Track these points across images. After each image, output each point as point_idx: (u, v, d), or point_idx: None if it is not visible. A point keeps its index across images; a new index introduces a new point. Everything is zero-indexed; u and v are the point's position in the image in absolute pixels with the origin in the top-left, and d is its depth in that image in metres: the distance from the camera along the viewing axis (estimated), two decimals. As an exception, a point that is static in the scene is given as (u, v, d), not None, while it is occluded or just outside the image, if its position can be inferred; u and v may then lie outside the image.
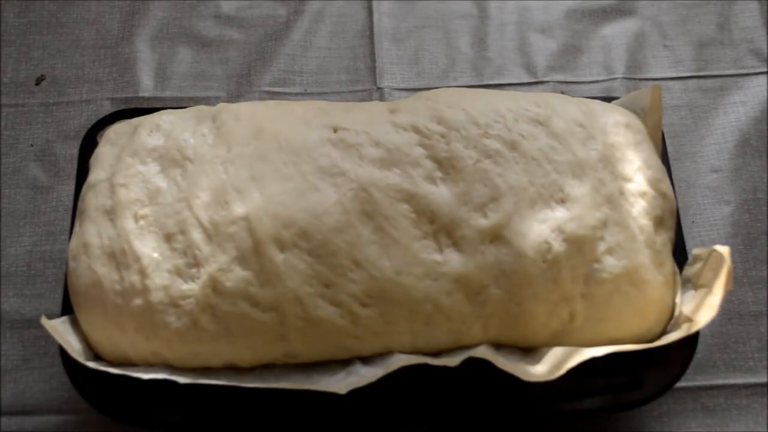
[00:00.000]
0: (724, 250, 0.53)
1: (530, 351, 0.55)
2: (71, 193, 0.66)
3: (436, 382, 0.55)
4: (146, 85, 0.74)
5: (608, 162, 0.57)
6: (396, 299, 0.53)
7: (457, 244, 0.54)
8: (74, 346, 0.54)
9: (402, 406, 0.56)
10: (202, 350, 0.53)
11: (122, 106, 0.72)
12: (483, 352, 0.53)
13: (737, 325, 0.65)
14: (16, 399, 0.62)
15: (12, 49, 0.76)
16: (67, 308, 0.58)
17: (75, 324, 0.56)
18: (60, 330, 0.54)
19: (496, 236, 0.54)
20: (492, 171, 0.55)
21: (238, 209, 0.54)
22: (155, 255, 0.54)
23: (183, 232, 0.54)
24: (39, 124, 0.72)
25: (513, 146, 0.56)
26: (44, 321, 0.53)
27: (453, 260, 0.53)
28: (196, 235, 0.54)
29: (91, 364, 0.53)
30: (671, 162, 0.66)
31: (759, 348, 0.64)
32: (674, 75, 0.75)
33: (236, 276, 0.53)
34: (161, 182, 0.56)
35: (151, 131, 0.59)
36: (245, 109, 0.60)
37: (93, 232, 0.55)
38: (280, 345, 0.53)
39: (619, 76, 0.75)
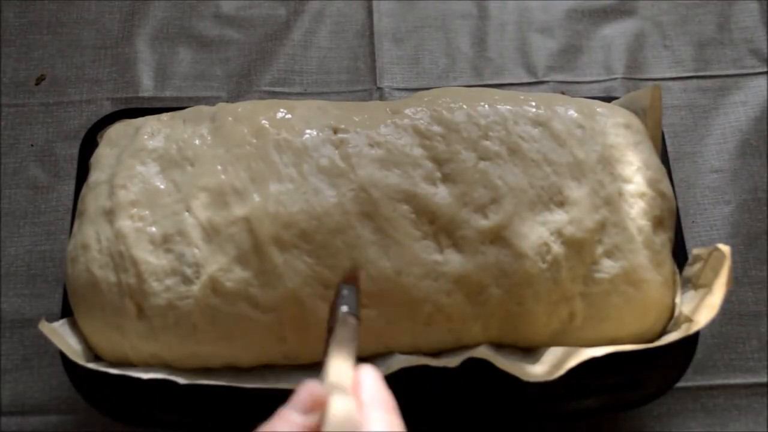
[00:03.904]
0: (725, 248, 0.53)
1: (530, 351, 0.55)
2: (71, 193, 0.65)
3: (436, 382, 0.55)
4: (146, 85, 0.74)
5: (607, 163, 0.57)
6: (396, 299, 0.53)
7: (457, 245, 0.54)
8: (74, 348, 0.54)
9: (402, 406, 0.56)
10: (201, 351, 0.53)
11: (122, 106, 0.72)
12: (483, 352, 0.53)
13: (737, 325, 0.65)
14: (16, 399, 0.62)
15: (12, 49, 0.76)
16: (67, 309, 0.58)
17: (74, 325, 0.56)
18: (59, 332, 0.54)
19: (497, 237, 0.54)
20: (492, 173, 0.55)
21: (238, 210, 0.54)
22: (154, 257, 0.54)
23: (182, 233, 0.54)
24: (39, 124, 0.72)
25: (513, 148, 0.56)
26: (42, 325, 0.53)
27: (453, 260, 0.53)
28: (196, 236, 0.54)
29: (91, 365, 0.53)
30: (671, 162, 0.66)
31: (759, 348, 0.64)
32: (674, 75, 0.75)
33: (236, 276, 0.53)
34: (161, 183, 0.56)
35: (152, 132, 0.59)
36: (244, 108, 0.59)
37: (92, 234, 0.55)
38: (280, 346, 0.53)
39: (619, 76, 0.75)
